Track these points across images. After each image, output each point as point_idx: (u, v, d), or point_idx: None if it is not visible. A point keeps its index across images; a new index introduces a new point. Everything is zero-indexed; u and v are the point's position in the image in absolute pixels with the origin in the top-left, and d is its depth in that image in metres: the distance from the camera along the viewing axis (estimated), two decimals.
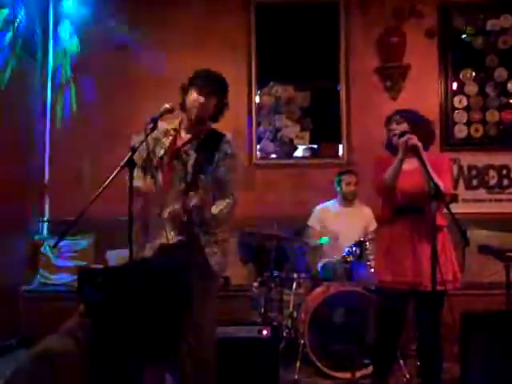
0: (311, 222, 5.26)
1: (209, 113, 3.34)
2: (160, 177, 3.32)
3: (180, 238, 3.21)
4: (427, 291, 3.35)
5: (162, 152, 3.34)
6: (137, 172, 3.22)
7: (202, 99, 3.27)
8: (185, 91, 3.37)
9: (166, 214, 3.25)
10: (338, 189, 5.23)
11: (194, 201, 3.15)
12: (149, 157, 3.31)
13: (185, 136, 3.38)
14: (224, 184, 3.30)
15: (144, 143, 3.21)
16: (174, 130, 3.39)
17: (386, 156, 3.65)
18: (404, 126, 3.54)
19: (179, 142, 3.36)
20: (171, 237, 3.21)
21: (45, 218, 5.92)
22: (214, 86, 3.32)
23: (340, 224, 5.11)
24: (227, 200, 3.29)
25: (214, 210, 3.25)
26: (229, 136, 3.38)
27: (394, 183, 3.47)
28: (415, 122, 3.57)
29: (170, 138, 3.37)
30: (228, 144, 3.34)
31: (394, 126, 3.58)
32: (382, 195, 3.62)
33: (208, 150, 3.29)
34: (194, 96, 3.29)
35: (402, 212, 3.52)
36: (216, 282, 3.38)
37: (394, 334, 3.63)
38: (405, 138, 3.43)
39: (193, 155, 3.29)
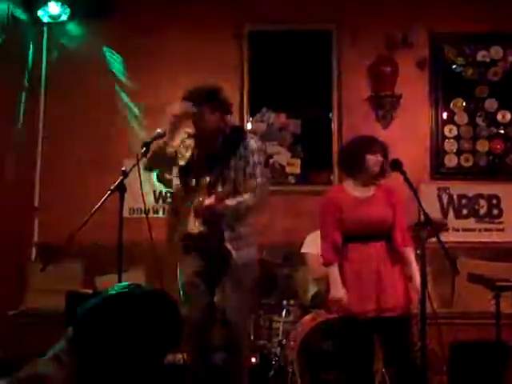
0: (307, 248, 5.19)
1: (210, 123, 3.37)
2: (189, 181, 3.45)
3: (202, 229, 3.33)
4: (393, 317, 3.44)
5: (183, 162, 3.44)
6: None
7: (193, 109, 3.33)
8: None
9: (192, 205, 3.36)
10: None
11: (207, 201, 3.27)
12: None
13: (202, 148, 3.46)
14: (247, 179, 3.38)
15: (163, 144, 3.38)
16: (189, 136, 3.47)
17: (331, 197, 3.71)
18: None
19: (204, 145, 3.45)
20: (195, 226, 3.34)
21: (34, 242, 5.89)
22: (199, 96, 3.36)
23: None
24: (247, 195, 3.37)
25: (230, 202, 3.32)
26: (251, 135, 3.53)
27: None
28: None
29: (189, 150, 3.45)
30: (253, 139, 3.46)
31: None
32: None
33: (232, 145, 3.39)
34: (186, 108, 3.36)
35: (367, 239, 3.55)
36: (246, 274, 3.45)
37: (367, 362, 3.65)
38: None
39: (220, 152, 3.40)
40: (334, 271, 3.53)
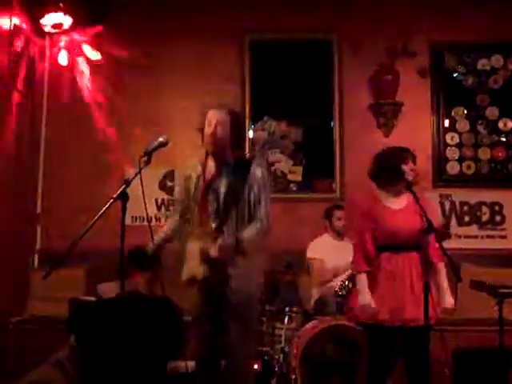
0: (311, 254, 5.21)
1: (227, 134, 3.36)
2: (197, 216, 3.40)
3: (206, 272, 3.26)
4: (418, 326, 3.43)
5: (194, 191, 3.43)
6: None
7: (217, 117, 3.33)
8: (202, 128, 3.42)
9: (200, 250, 3.30)
10: (328, 223, 5.24)
11: (212, 252, 3.22)
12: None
13: (212, 168, 3.42)
14: (255, 208, 3.37)
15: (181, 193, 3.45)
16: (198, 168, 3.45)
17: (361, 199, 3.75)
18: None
19: (208, 175, 3.41)
20: (199, 272, 3.27)
21: (36, 249, 5.89)
22: (226, 110, 3.39)
23: (334, 257, 5.10)
24: (256, 225, 3.36)
25: (244, 235, 3.30)
26: (256, 162, 3.49)
27: None
28: None
29: (196, 177, 3.43)
30: (258, 167, 3.42)
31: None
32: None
33: (239, 176, 3.35)
34: (209, 116, 3.35)
35: (399, 249, 3.57)
36: (248, 310, 3.38)
37: (386, 371, 3.63)
38: None
39: (224, 183, 3.35)
40: (363, 278, 3.59)
